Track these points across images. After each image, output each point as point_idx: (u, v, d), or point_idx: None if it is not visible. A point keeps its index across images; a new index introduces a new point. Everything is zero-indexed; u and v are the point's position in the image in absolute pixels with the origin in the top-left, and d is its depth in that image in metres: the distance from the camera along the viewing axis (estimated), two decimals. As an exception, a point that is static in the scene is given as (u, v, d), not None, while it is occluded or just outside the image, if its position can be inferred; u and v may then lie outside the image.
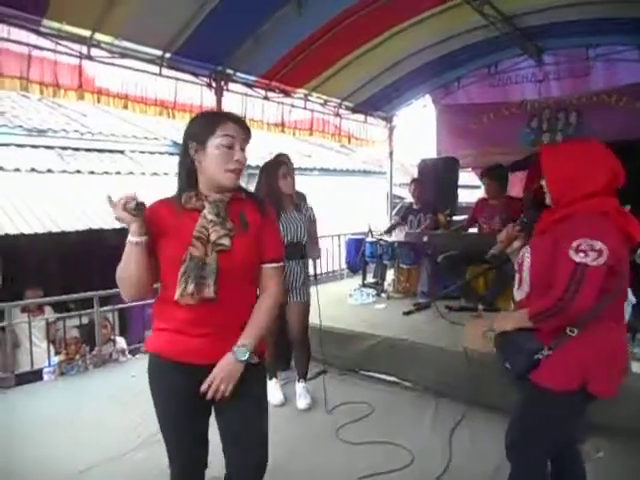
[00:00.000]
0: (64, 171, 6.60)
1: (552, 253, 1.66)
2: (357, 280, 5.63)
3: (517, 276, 1.87)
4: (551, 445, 1.78)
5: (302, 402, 3.30)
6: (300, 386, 3.39)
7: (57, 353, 4.43)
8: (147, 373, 1.63)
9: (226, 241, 1.51)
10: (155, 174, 7.52)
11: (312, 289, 3.35)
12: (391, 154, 7.46)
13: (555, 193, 1.77)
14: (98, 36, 3.73)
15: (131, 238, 1.46)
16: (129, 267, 1.49)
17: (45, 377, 4.20)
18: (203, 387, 1.50)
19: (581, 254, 1.55)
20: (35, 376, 4.14)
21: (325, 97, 6.02)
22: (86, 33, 3.67)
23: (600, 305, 1.59)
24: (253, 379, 1.59)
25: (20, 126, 6.89)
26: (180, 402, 1.59)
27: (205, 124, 1.55)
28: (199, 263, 1.49)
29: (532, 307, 1.68)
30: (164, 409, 1.62)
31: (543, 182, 1.81)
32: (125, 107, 4.27)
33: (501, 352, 1.79)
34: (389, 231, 5.57)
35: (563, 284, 1.57)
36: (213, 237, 1.51)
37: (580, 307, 1.56)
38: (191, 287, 1.48)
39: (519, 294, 1.84)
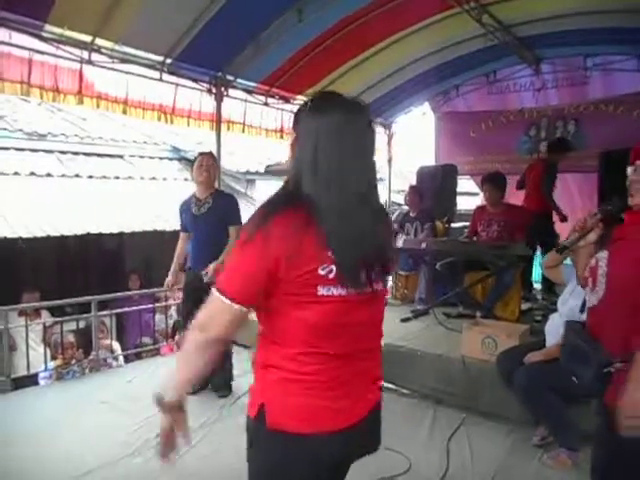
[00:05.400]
0: (63, 175, 6.59)
1: None
2: (355, 286, 5.61)
3: (589, 278, 1.63)
4: None
5: None
6: None
7: (53, 358, 4.41)
8: None
9: None
10: (154, 179, 7.52)
11: None
12: (390, 161, 7.49)
13: None
14: (99, 41, 3.76)
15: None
16: None
17: (41, 382, 4.17)
18: None
19: None
20: (31, 380, 4.11)
21: (325, 104, 6.04)
22: (87, 38, 3.70)
23: None
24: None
25: (20, 130, 6.89)
26: None
27: None
28: None
29: None
30: None
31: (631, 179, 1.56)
32: (124, 112, 4.29)
33: (566, 363, 1.54)
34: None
35: None
36: None
37: None
38: None
39: (593, 298, 1.61)
